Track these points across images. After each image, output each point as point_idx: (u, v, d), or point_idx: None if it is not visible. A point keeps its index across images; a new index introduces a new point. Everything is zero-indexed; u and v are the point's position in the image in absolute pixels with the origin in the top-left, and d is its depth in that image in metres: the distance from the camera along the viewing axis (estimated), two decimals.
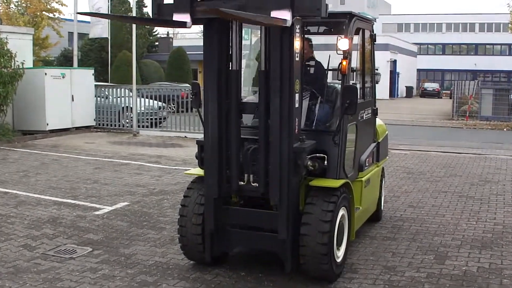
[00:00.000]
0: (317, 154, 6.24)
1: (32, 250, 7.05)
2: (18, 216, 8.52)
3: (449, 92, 53.73)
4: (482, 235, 8.02)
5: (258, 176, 5.99)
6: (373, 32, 7.69)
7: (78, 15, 20.44)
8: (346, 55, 6.24)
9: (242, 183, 6.09)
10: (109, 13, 24.73)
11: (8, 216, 8.48)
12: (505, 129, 24.53)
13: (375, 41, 7.86)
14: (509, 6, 27.03)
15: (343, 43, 6.17)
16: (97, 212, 8.77)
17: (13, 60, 15.37)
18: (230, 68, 6.12)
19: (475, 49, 78.93)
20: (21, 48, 16.57)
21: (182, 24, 5.84)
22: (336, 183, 6.12)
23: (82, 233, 7.76)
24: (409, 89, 64.75)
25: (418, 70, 74.15)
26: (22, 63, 15.99)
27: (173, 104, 19.72)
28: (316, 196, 6.01)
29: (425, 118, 30.51)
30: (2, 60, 14.92)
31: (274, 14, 5.34)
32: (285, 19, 5.32)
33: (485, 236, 8.00)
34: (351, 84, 6.45)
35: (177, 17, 5.78)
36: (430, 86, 66.56)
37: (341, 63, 6.28)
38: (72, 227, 8.00)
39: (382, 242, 7.64)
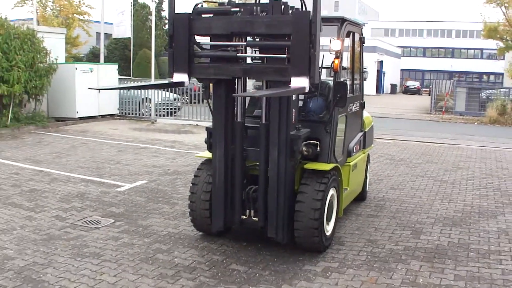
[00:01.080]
0: (311, 141, 6.26)
1: (62, 220, 7.10)
2: (51, 191, 8.56)
3: (428, 89, 53.59)
4: (453, 214, 8.04)
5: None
6: (362, 35, 7.67)
7: (104, 17, 20.37)
8: (338, 54, 6.23)
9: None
10: (131, 16, 24.67)
11: (43, 191, 8.52)
12: (475, 123, 24.49)
13: (364, 43, 7.85)
14: (482, 15, 26.80)
15: (335, 44, 6.15)
16: (119, 189, 8.81)
17: (48, 56, 15.37)
18: (236, 120, 6.10)
19: (451, 52, 78.55)
20: (55, 46, 16.55)
21: (181, 84, 5.92)
22: (327, 166, 6.14)
23: (106, 206, 7.80)
24: (393, 87, 64.62)
25: (402, 70, 73.94)
26: (56, 59, 15.98)
27: (187, 96, 19.66)
28: (310, 177, 6.03)
29: (407, 112, 30.44)
30: (38, 56, 14.91)
31: (294, 80, 5.27)
32: (304, 87, 5.28)
33: (455, 215, 8.02)
34: (342, 80, 6.45)
35: (177, 76, 5.83)
36: (412, 84, 66.34)
37: (333, 61, 6.28)
38: (97, 201, 8.04)
39: (366, 219, 7.67)
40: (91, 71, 17.51)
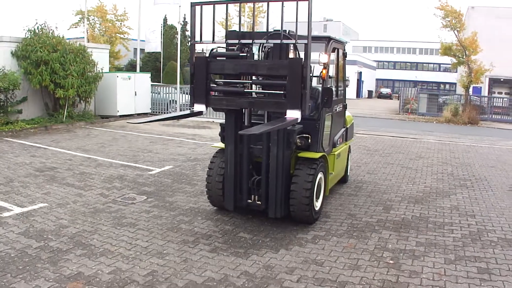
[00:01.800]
0: (304, 135, 6.22)
1: (106, 197, 7.09)
2: (97, 174, 8.55)
3: (397, 95, 53.18)
4: (416, 194, 7.99)
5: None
6: (345, 51, 7.60)
7: (140, 36, 20.31)
8: (325, 66, 6.17)
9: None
10: (161, 34, 24.57)
11: (90, 174, 8.51)
12: (434, 122, 24.30)
13: (346, 57, 7.77)
14: (439, 37, 26.64)
15: (323, 58, 6.10)
16: (150, 172, 8.78)
17: (95, 67, 15.32)
18: (244, 124, 6.05)
19: (416, 66, 77.89)
20: (101, 58, 16.48)
21: (200, 113, 5.92)
22: (317, 155, 6.10)
23: (140, 186, 7.77)
24: (370, 92, 64.28)
25: (377, 79, 73.42)
26: (102, 69, 15.94)
27: None
28: (302, 164, 6.00)
29: (380, 112, 30.24)
30: (88, 67, 14.85)
31: (289, 112, 5.27)
32: (297, 118, 5.25)
33: (418, 194, 7.97)
34: (328, 86, 6.40)
35: (196, 106, 5.83)
36: (385, 90, 65.95)
37: (321, 71, 6.22)
38: (133, 182, 8.01)
39: (347, 197, 7.63)
40: (129, 79, 17.44)
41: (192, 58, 5.88)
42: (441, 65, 72.01)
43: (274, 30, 5.82)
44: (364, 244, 5.54)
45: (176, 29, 44.22)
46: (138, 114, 17.95)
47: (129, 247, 5.12)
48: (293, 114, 5.24)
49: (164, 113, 18.73)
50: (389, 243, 5.60)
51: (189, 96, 6.00)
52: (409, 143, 14.57)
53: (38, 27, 14.40)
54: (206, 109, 5.89)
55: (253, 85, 5.94)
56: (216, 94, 5.97)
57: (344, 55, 7.61)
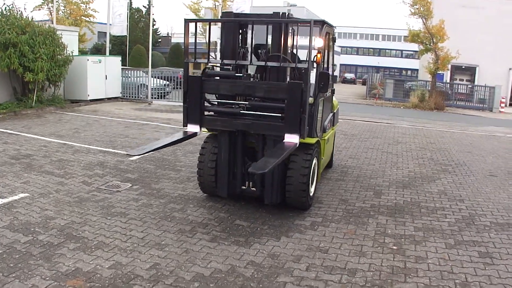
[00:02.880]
0: None
1: (89, 185, 6.70)
2: (76, 160, 8.11)
3: (362, 80, 53.91)
4: (402, 179, 7.98)
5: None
6: (334, 35, 7.42)
7: (106, 18, 19.51)
8: (320, 50, 5.98)
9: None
10: (127, 18, 23.71)
11: (68, 161, 8.06)
12: (401, 107, 24.66)
13: (335, 42, 7.59)
14: (407, 24, 26.91)
15: (318, 42, 5.90)
16: (131, 158, 8.38)
17: (65, 50, 14.58)
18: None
19: (378, 52, 79.02)
20: (71, 41, 15.68)
21: (194, 135, 5.71)
22: (313, 140, 5.94)
23: (123, 173, 7.41)
24: (334, 77, 64.73)
25: (341, 65, 74.05)
26: (72, 52, 15.21)
27: (173, 83, 19.19)
28: (298, 150, 5.81)
29: (347, 97, 30.40)
30: (58, 49, 14.10)
31: (287, 136, 5.18)
32: (296, 143, 5.17)
33: (404, 179, 7.96)
34: (325, 71, 6.21)
35: (190, 127, 5.63)
36: (349, 75, 66.52)
37: (316, 56, 6.01)
38: (115, 169, 7.64)
39: (336, 182, 7.53)
40: (100, 62, 16.73)
41: (185, 77, 5.65)
42: (403, 52, 73.34)
43: (274, 13, 5.56)
44: (363, 230, 5.44)
45: (143, 12, 43.06)
46: (109, 99, 17.32)
47: (125, 239, 4.82)
48: (291, 139, 5.12)
49: (134, 97, 18.14)
50: (387, 229, 5.53)
51: (182, 116, 5.80)
52: (384, 128, 14.65)
53: (5, 8, 13.55)
54: (200, 130, 5.70)
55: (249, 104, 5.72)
56: (211, 113, 5.78)
57: (334, 40, 7.43)
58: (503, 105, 25.82)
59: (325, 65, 7.08)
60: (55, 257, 4.31)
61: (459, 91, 27.86)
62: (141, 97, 18.25)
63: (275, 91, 5.28)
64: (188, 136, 5.71)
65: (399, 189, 7.29)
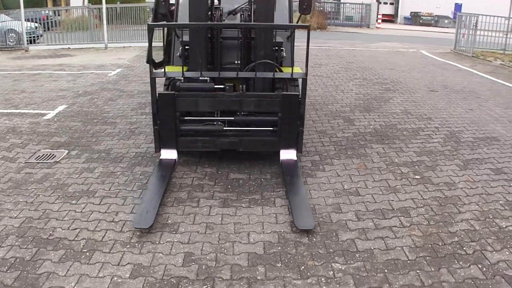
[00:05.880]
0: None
1: (13, 161, 5.13)
2: None
3: None
4: (358, 102, 7.72)
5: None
6: None
7: None
8: None
9: None
10: None
11: None
12: None
13: None
14: None
15: None
16: (45, 117, 6.79)
17: None
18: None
19: None
20: None
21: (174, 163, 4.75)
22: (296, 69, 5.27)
23: (47, 137, 5.91)
24: None
25: None
26: None
27: (40, 25, 16.43)
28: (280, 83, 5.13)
29: None
30: None
31: (283, 152, 4.71)
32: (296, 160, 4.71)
33: (360, 102, 7.70)
34: None
35: (164, 153, 4.75)
36: None
37: None
38: (35, 133, 6.05)
39: None
40: None
41: (153, 95, 4.56)
42: None
43: None
44: (371, 162, 5.07)
45: None
46: None
47: (118, 228, 3.66)
48: (288, 155, 4.68)
49: (3, 45, 15.08)
50: (392, 157, 5.22)
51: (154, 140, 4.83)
52: (296, 51, 14.20)
53: None
54: (178, 155, 4.78)
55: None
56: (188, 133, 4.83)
57: None
58: (379, 21, 27.22)
59: None
60: (45, 281, 3.07)
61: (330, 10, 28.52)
62: (10, 44, 15.30)
63: (267, 105, 4.61)
64: (172, 169, 4.66)
65: (364, 113, 7.02)
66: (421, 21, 32.81)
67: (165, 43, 6.37)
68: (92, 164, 5.04)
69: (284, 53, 5.37)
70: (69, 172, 4.80)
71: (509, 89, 9.19)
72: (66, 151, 5.43)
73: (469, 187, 4.43)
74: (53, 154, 5.36)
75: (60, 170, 4.86)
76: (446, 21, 32.32)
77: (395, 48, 16.01)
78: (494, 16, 14.64)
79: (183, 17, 5.60)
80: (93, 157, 5.23)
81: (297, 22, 6.05)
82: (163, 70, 4.84)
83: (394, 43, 17.77)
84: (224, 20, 5.14)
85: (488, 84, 9.68)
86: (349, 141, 5.75)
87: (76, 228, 3.65)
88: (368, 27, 26.59)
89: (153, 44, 4.74)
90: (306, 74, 4.64)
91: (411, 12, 33.96)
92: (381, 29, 25.87)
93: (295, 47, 5.81)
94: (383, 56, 13.46)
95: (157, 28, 6.96)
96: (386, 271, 3.09)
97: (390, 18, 34.16)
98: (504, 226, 3.68)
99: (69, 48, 14.58)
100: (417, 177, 4.67)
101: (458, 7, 31.45)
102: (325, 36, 20.27)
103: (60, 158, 5.22)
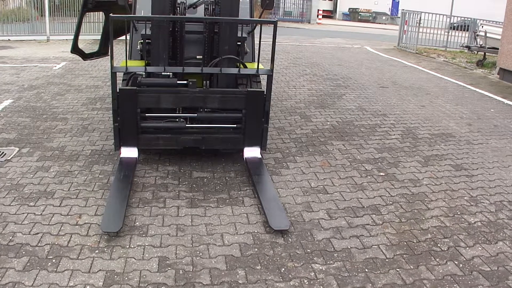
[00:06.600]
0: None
1: None
2: None
3: None
4: (311, 98, 7.78)
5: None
6: None
7: None
8: None
9: None
10: None
11: None
12: None
13: None
14: None
15: None
16: None
17: None
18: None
19: None
20: None
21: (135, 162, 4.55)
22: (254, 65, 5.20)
23: None
24: None
25: None
26: None
27: None
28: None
29: None
30: None
31: (247, 150, 4.68)
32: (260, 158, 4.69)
33: (313, 98, 7.77)
34: None
35: (125, 151, 4.53)
36: None
37: None
38: None
39: None
40: None
41: (114, 90, 4.32)
42: None
43: None
44: (334, 159, 5.10)
45: None
46: None
47: (84, 232, 3.43)
48: (252, 152, 4.66)
49: None
50: (354, 154, 5.29)
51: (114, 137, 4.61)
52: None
53: None
54: (139, 152, 4.59)
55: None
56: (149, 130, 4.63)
57: None
58: (320, 16, 27.69)
59: None
60: None
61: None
62: None
63: (231, 101, 4.55)
64: (134, 168, 4.45)
65: (320, 110, 7.08)
66: (359, 17, 33.70)
67: (102, 35, 6.12)
68: (47, 162, 4.72)
69: (247, 49, 5.29)
70: (23, 171, 4.47)
71: (456, 86, 9.64)
72: (17, 149, 5.06)
73: (434, 184, 4.57)
74: (3, 152, 4.99)
75: (13, 169, 4.52)
76: (384, 17, 33.42)
77: (340, 44, 16.34)
78: (436, 14, 15.33)
79: (140, 9, 5.38)
80: (46, 155, 4.91)
81: (259, 17, 5.99)
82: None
83: (337, 39, 18.12)
84: (185, 14, 4.97)
85: (435, 80, 10.10)
86: (309, 138, 5.76)
87: (38, 233, 3.38)
88: (309, 23, 26.96)
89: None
90: (272, 70, 4.58)
91: (349, 8, 34.83)
92: (322, 25, 26.32)
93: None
94: (329, 52, 13.68)
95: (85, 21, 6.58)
96: (366, 270, 3.10)
97: (328, 14, 34.86)
98: (473, 222, 3.82)
99: (9, 40, 13.64)
100: (381, 174, 4.76)
101: (395, 3, 32.59)
102: (268, 31, 20.28)
103: (11, 156, 4.86)
